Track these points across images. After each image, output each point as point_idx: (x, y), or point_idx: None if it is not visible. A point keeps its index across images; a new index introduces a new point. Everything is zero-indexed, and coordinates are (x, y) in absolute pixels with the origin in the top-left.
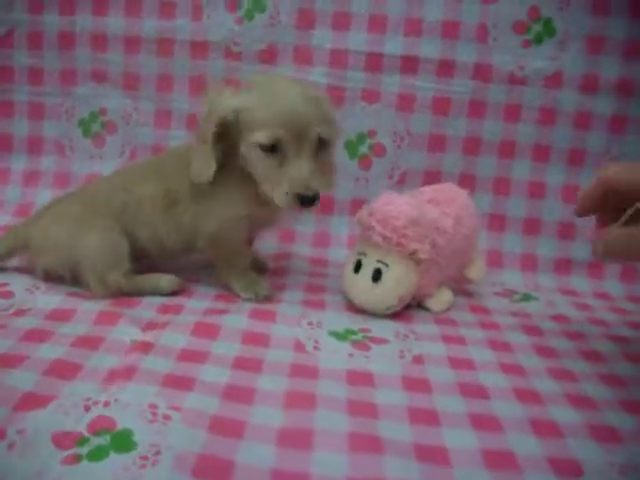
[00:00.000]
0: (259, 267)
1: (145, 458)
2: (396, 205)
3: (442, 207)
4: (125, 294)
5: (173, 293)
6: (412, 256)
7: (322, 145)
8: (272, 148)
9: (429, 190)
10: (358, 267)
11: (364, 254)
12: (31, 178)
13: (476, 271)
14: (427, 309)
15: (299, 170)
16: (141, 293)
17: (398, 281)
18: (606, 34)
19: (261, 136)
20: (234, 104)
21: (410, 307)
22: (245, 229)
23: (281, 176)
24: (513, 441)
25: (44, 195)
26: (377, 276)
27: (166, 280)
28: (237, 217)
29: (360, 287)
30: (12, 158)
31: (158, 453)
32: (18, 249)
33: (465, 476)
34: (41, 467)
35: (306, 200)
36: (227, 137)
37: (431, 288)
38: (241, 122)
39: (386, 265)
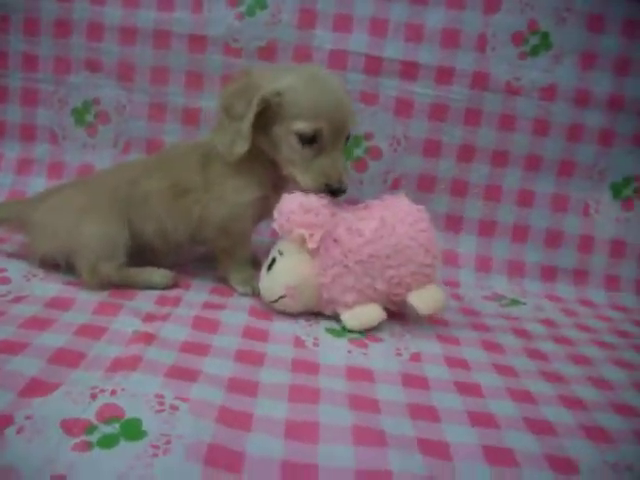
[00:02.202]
0: (254, 262)
1: (156, 447)
2: (297, 197)
3: (370, 212)
4: (116, 286)
5: (166, 287)
6: (303, 245)
7: (347, 141)
8: (311, 139)
9: (377, 200)
10: (271, 265)
11: (279, 252)
12: (24, 165)
13: (423, 299)
14: (343, 324)
15: (335, 163)
16: (132, 286)
17: (287, 270)
18: (599, 50)
19: (304, 126)
20: (278, 86)
21: (404, 309)
22: (253, 217)
23: (314, 165)
24: (510, 438)
25: (37, 183)
26: (271, 264)
27: (159, 275)
28: (247, 203)
29: (261, 277)
30: (5, 144)
31: (169, 442)
32: (11, 222)
33: (466, 470)
34: (52, 453)
35: (337, 191)
36: (259, 116)
37: (345, 295)
38: (282, 105)
39: (281, 254)
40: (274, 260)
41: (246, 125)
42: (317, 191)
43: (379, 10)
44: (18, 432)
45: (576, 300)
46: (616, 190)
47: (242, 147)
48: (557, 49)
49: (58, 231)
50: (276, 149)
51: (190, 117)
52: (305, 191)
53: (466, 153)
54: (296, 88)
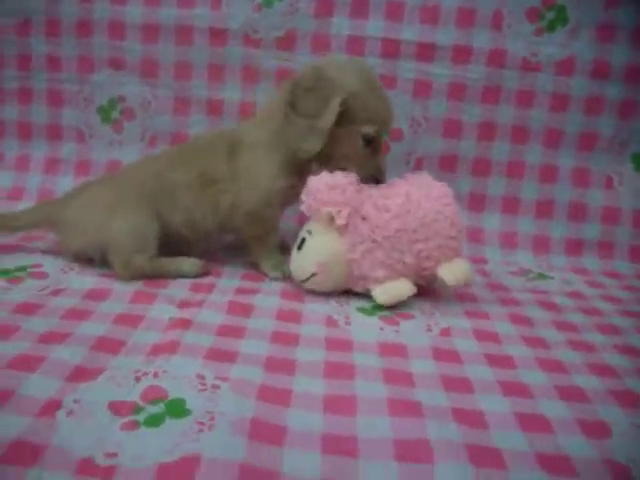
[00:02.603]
0: (282, 248)
1: (201, 424)
2: (323, 176)
3: (395, 188)
4: (148, 277)
5: (196, 276)
6: (331, 223)
7: None
8: (372, 140)
9: (400, 179)
10: (301, 245)
11: (309, 232)
12: (52, 165)
13: (452, 272)
14: (374, 299)
15: (383, 161)
16: (165, 276)
17: (317, 247)
18: (616, 23)
19: (371, 129)
20: (351, 88)
21: (433, 285)
22: (281, 204)
23: (371, 164)
24: (543, 405)
25: (65, 182)
26: (301, 244)
27: (189, 264)
28: (277, 190)
29: (292, 257)
30: (32, 145)
31: (212, 419)
32: (42, 224)
33: (501, 437)
34: (102, 433)
35: (380, 182)
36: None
37: (375, 271)
38: (351, 108)
39: (310, 233)
40: (304, 240)
41: (326, 125)
42: (365, 182)
43: None
44: (68, 415)
45: (602, 272)
46: (638, 161)
47: (316, 145)
48: (573, 23)
49: (89, 227)
50: (335, 147)
51: (214, 109)
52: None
53: (486, 131)
54: (363, 92)
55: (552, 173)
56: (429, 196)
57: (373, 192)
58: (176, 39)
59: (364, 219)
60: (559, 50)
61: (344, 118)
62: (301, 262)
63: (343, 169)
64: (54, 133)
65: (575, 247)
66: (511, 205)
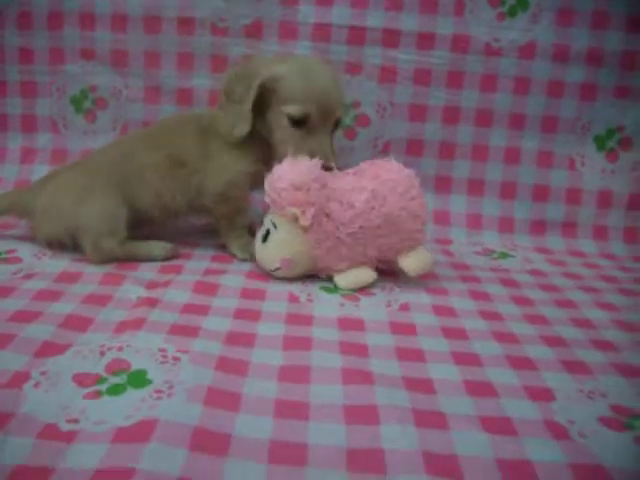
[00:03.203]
0: (251, 230)
1: (160, 392)
2: (286, 169)
3: (360, 181)
4: (119, 260)
5: (166, 259)
6: (296, 221)
7: (336, 125)
8: (300, 121)
9: (367, 164)
10: (266, 237)
11: (273, 225)
12: (27, 155)
13: (412, 262)
14: (335, 284)
15: (322, 144)
16: (135, 259)
17: (281, 243)
18: (576, 7)
19: (294, 109)
20: (273, 72)
21: (394, 268)
22: (250, 185)
23: (304, 145)
24: (491, 373)
25: (41, 171)
26: (266, 236)
27: (159, 247)
28: (245, 172)
29: (256, 246)
30: (8, 136)
31: (171, 387)
32: (13, 211)
33: (448, 402)
34: (66, 401)
35: (325, 170)
36: (256, 100)
37: (339, 264)
38: (276, 90)
39: (274, 226)
40: (268, 232)
41: (246, 108)
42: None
43: None
44: (35, 386)
45: (566, 251)
46: (600, 142)
47: (243, 129)
48: (534, 8)
49: (59, 213)
50: (270, 131)
51: (184, 97)
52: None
53: (451, 115)
54: (289, 75)
55: (516, 155)
56: (394, 191)
57: (338, 185)
58: (145, 28)
59: (328, 216)
60: (521, 34)
61: (272, 101)
62: (265, 255)
63: (282, 154)
64: (29, 124)
65: (539, 227)
66: (476, 187)
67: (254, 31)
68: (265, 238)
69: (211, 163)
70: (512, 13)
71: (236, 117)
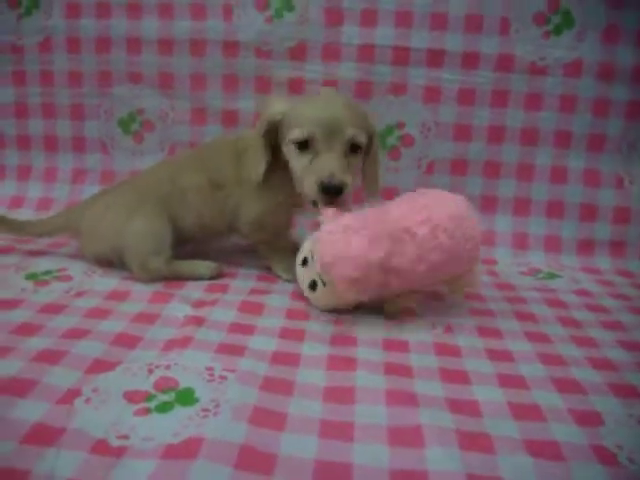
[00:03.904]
0: (295, 249)
1: (207, 410)
2: (348, 257)
3: (434, 232)
4: (166, 279)
5: (211, 278)
6: None
7: (354, 149)
8: (305, 144)
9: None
10: (305, 262)
11: (312, 256)
12: (78, 176)
13: (459, 287)
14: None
15: (326, 162)
16: (181, 278)
17: (328, 299)
18: (621, 25)
19: (296, 133)
20: (282, 108)
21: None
22: (287, 211)
23: (310, 168)
24: (537, 396)
25: (91, 191)
26: (313, 286)
27: (204, 267)
28: (279, 202)
29: (296, 267)
30: (59, 157)
31: (218, 406)
32: (64, 230)
33: (493, 424)
34: (116, 418)
35: (330, 189)
36: (275, 138)
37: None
38: (284, 123)
39: (323, 283)
40: (306, 260)
41: (258, 144)
42: (315, 194)
43: (403, 2)
44: (86, 402)
45: (613, 271)
46: None
47: (260, 168)
48: (580, 26)
49: (106, 232)
50: (287, 163)
51: (229, 119)
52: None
53: (496, 134)
54: (294, 106)
55: (562, 174)
56: (454, 236)
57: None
58: (191, 51)
59: (396, 274)
60: (566, 53)
61: (283, 136)
62: (316, 302)
63: (297, 181)
64: (79, 145)
65: (586, 247)
66: (522, 206)
67: (298, 53)
68: (304, 262)
69: (245, 190)
70: (558, 31)
71: (253, 156)
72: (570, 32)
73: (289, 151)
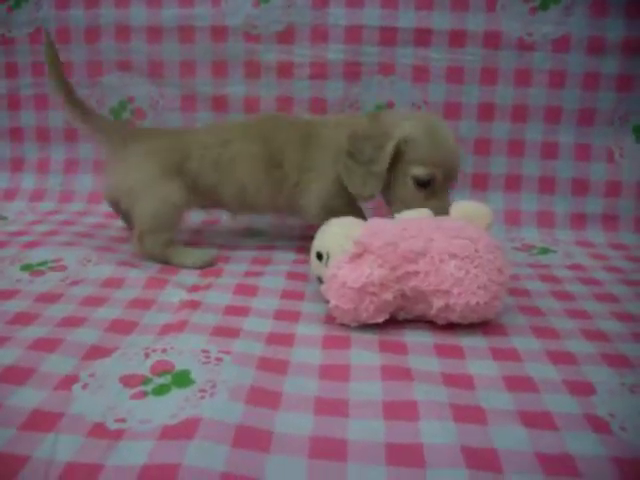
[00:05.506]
0: None
1: (204, 391)
2: (347, 269)
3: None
4: (156, 260)
5: (202, 267)
6: None
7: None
8: (426, 183)
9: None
10: (320, 256)
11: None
12: (70, 166)
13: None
14: None
15: (443, 205)
16: (169, 264)
17: None
18: None
19: (421, 171)
20: (404, 134)
21: None
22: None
23: (425, 206)
24: (530, 368)
25: (84, 182)
26: (320, 257)
27: (191, 262)
28: (341, 192)
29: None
30: (51, 148)
31: (214, 386)
32: (105, 139)
33: (487, 397)
34: (113, 402)
35: None
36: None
37: None
38: (405, 152)
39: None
40: (320, 254)
41: (381, 170)
42: None
43: None
44: (83, 388)
45: (607, 244)
46: (639, 133)
47: (375, 189)
48: (567, 0)
49: (131, 192)
50: (390, 187)
51: (219, 104)
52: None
53: (486, 112)
54: (418, 137)
55: (553, 149)
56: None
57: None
58: (179, 38)
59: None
60: (554, 28)
61: (398, 161)
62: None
63: (398, 210)
64: (70, 135)
65: (579, 221)
66: (514, 183)
67: (286, 37)
68: (319, 257)
69: (307, 178)
70: (544, 6)
71: (366, 177)
72: (557, 7)
73: (402, 180)
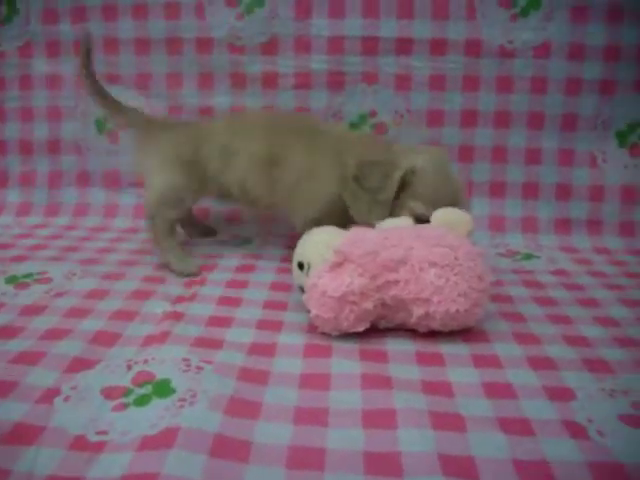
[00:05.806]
0: None
1: (183, 400)
2: (327, 278)
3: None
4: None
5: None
6: None
7: None
8: (424, 220)
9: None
10: (301, 266)
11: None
12: (54, 179)
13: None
14: None
15: None
16: (162, 259)
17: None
18: (589, 2)
19: (420, 209)
20: (412, 166)
21: None
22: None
23: None
24: (512, 375)
25: (68, 194)
26: (301, 266)
27: (178, 269)
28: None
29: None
30: (35, 161)
31: (194, 396)
32: (130, 128)
33: (466, 404)
34: (94, 415)
35: None
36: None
37: None
38: (410, 184)
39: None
40: (302, 264)
41: (386, 198)
42: None
43: None
44: (65, 400)
45: (591, 249)
46: (621, 138)
47: (382, 217)
48: (547, 7)
49: (150, 166)
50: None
51: (205, 115)
52: None
53: (469, 119)
54: (425, 173)
55: (536, 155)
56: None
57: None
58: (166, 50)
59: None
60: (534, 34)
61: (401, 191)
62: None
63: None
64: (54, 148)
65: (563, 226)
66: (497, 189)
67: (271, 48)
68: (300, 266)
69: (308, 181)
70: (524, 13)
71: (371, 205)
72: (537, 13)
73: (399, 210)
